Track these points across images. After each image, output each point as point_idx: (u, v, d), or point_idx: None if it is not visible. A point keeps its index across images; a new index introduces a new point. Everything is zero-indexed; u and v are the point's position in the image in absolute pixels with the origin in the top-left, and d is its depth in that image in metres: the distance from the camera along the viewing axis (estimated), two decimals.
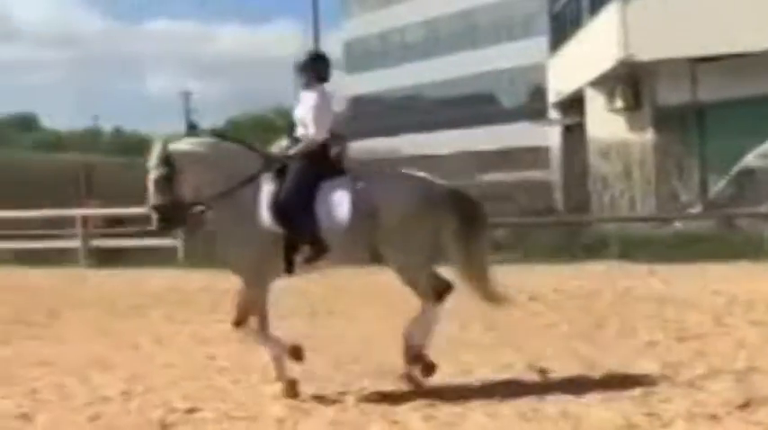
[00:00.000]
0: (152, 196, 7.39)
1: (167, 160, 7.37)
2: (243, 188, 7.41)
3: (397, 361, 7.51)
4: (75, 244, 21.80)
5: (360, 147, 45.37)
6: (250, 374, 8.13)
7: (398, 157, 34.06)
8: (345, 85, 57.76)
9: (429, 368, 7.36)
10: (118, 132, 69.48)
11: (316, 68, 7.67)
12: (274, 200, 7.31)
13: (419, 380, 7.37)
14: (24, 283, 16.92)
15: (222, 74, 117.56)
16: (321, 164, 7.49)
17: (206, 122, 62.90)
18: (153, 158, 7.41)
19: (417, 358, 7.34)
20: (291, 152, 7.52)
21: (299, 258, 7.38)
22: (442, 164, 24.99)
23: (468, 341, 9.39)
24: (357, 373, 7.95)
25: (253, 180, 7.44)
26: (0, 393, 7.83)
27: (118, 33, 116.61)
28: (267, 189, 7.40)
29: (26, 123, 67.55)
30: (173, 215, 7.42)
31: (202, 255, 19.73)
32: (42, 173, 38.77)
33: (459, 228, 7.41)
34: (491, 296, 7.62)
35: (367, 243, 7.39)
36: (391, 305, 9.98)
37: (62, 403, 7.43)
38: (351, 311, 12.15)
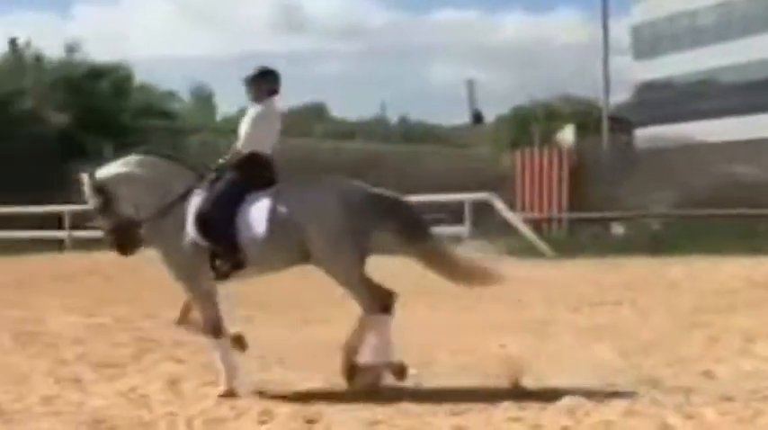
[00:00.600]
0: (101, 224, 7.65)
1: (99, 189, 7.56)
2: (179, 203, 7.48)
3: None
4: None
5: (649, 135, 44.10)
6: (541, 363, 7.99)
7: (691, 144, 32.73)
8: (633, 71, 56.26)
9: (401, 371, 7.29)
10: (403, 121, 71.00)
11: (263, 82, 7.67)
12: (197, 211, 7.36)
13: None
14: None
15: (507, 62, 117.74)
16: (249, 176, 7.47)
17: (490, 111, 63.17)
18: (87, 192, 7.60)
19: (368, 370, 7.29)
20: (219, 164, 7.59)
21: (221, 268, 7.38)
22: (737, 151, 23.77)
23: None
24: None
25: (187, 195, 7.49)
26: None
27: (403, 24, 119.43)
28: (195, 201, 7.43)
29: (316, 113, 70.24)
30: (125, 236, 7.59)
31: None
32: (332, 161, 40.25)
33: (392, 229, 7.34)
34: (467, 277, 7.50)
35: (290, 253, 7.35)
36: None
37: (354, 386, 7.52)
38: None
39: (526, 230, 20.87)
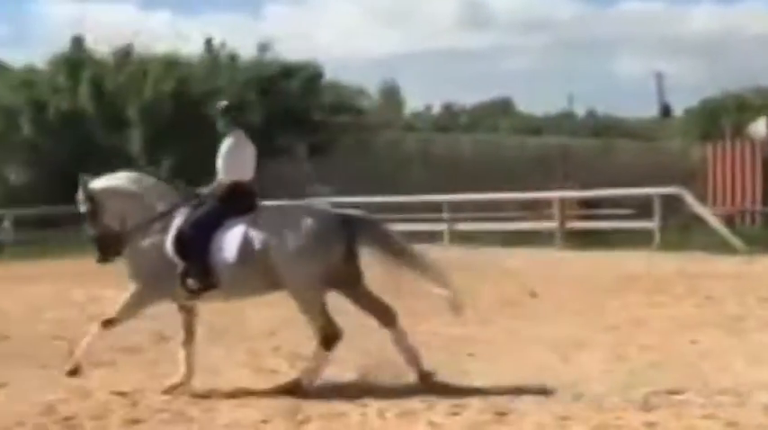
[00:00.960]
0: (87, 230, 8.09)
1: (90, 197, 8.06)
2: (159, 220, 7.90)
3: None
4: (551, 226, 22.30)
5: None
6: (735, 360, 7.81)
7: None
8: None
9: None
10: (591, 115, 69.89)
11: (231, 115, 8.19)
12: (176, 231, 7.75)
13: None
14: (505, 265, 17.52)
15: (696, 54, 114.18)
16: (230, 204, 7.88)
17: (679, 104, 61.46)
18: (80, 197, 8.12)
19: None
20: (204, 192, 8.02)
21: (193, 287, 7.68)
22: None
23: None
24: None
25: (170, 213, 7.91)
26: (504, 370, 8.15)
27: (589, 17, 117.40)
28: (177, 222, 7.83)
29: (503, 108, 69.98)
30: (106, 244, 8.02)
31: (678, 240, 19.45)
32: (519, 156, 40.10)
33: (366, 245, 7.66)
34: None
35: (259, 278, 7.65)
36: None
37: (550, 381, 7.56)
38: None
39: (718, 225, 20.31)
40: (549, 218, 22.73)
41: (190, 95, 31.64)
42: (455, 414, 6.69)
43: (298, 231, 7.60)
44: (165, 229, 7.91)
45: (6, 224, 23.70)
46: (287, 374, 8.13)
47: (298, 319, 11.35)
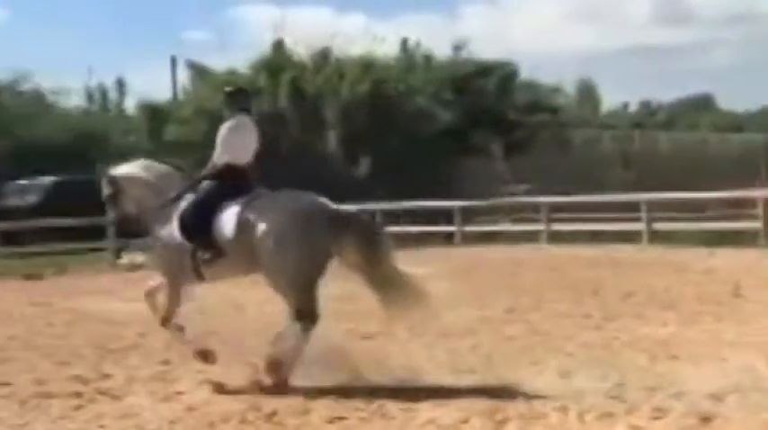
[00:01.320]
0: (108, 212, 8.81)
1: (111, 182, 8.81)
2: (169, 205, 8.44)
3: None
4: (755, 226, 21.47)
5: None
6: None
7: None
8: None
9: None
10: None
11: (235, 101, 8.63)
12: (180, 214, 8.30)
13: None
14: (707, 264, 16.99)
15: None
16: (223, 185, 8.31)
17: None
18: (102, 181, 8.85)
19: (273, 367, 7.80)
20: (202, 174, 8.54)
21: (200, 262, 8.18)
22: None
23: None
24: None
25: (178, 198, 8.44)
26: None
27: None
28: (182, 205, 8.38)
29: (704, 105, 67.91)
30: (124, 226, 8.78)
31: None
32: (721, 154, 38.83)
33: (352, 249, 7.79)
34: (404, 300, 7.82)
35: (251, 256, 7.93)
36: None
37: (755, 384, 7.29)
38: None
39: None
40: (753, 218, 21.90)
41: (386, 96, 32.08)
42: (657, 418, 6.52)
43: (280, 216, 7.87)
44: (174, 214, 8.43)
45: None
46: (483, 374, 8.13)
47: (497, 319, 11.46)
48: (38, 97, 32.60)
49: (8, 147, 29.31)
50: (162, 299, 8.58)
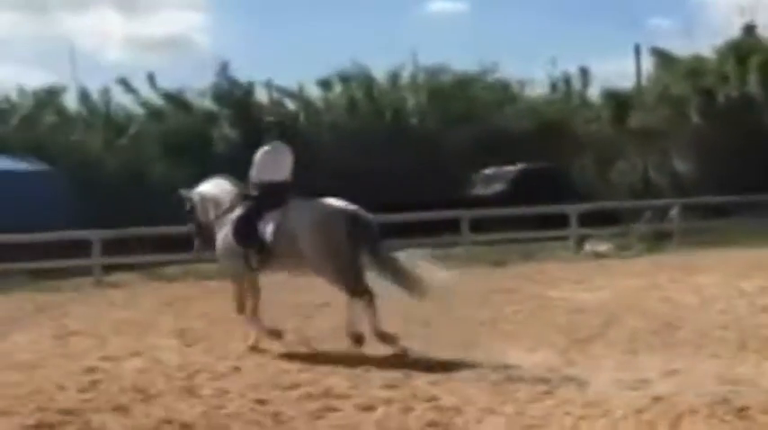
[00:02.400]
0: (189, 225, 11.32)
1: (187, 198, 11.16)
2: (224, 215, 10.62)
3: None
4: None
5: None
6: None
7: None
8: None
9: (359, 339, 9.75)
10: None
11: (273, 131, 11.11)
12: (232, 223, 10.39)
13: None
14: None
15: None
16: (261, 199, 10.29)
17: None
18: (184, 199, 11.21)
19: (382, 336, 9.67)
20: (245, 191, 10.55)
21: (254, 261, 10.24)
22: None
23: None
24: None
25: (230, 210, 10.56)
26: None
27: None
28: (233, 216, 10.46)
29: None
30: (198, 236, 11.10)
31: None
32: None
33: (359, 241, 9.72)
34: (411, 288, 9.64)
35: (291, 257, 10.01)
36: None
37: None
38: None
39: None
40: None
41: None
42: None
43: (308, 220, 9.83)
44: (229, 222, 10.48)
45: (674, 213, 24.05)
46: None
47: None
48: (504, 87, 33.64)
49: (476, 137, 30.53)
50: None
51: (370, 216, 10.05)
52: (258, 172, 10.41)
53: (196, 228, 11.15)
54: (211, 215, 10.83)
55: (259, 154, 10.48)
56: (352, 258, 9.78)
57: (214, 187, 11.01)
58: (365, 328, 9.73)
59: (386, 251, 9.89)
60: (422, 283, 9.68)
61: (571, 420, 6.86)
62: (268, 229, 10.03)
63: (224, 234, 10.52)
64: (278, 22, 55.23)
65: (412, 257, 9.84)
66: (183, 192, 11.31)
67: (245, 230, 10.21)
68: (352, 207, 10.03)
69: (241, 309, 10.58)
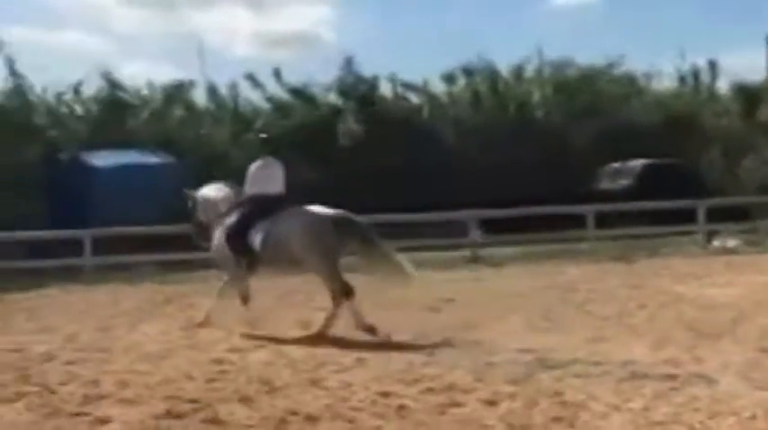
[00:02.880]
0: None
1: (190, 198, 12.56)
2: (220, 219, 11.90)
3: None
4: None
5: None
6: None
7: None
8: None
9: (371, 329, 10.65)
10: None
11: (264, 147, 12.43)
12: (225, 229, 11.69)
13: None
14: None
15: None
16: (253, 210, 11.47)
17: None
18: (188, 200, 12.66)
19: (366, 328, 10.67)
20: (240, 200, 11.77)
21: (243, 266, 11.60)
22: None
23: None
24: None
25: (226, 214, 11.81)
26: None
27: None
28: (227, 222, 11.71)
29: None
30: (197, 232, 12.51)
31: None
32: None
33: (351, 242, 11.02)
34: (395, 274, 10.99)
35: (282, 261, 11.41)
36: None
37: None
38: None
39: None
40: None
41: None
42: None
43: (299, 225, 10.98)
44: (222, 227, 11.77)
45: None
46: None
47: None
48: (630, 80, 33.06)
49: (602, 131, 30.09)
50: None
51: (355, 217, 11.19)
52: (250, 185, 11.62)
53: (195, 225, 12.58)
54: (210, 216, 12.20)
55: (252, 168, 11.68)
56: (337, 259, 11.07)
57: (215, 191, 12.34)
58: (354, 321, 10.79)
59: (376, 241, 11.03)
60: (403, 270, 11.00)
61: (699, 418, 6.71)
62: (257, 239, 11.24)
63: (218, 236, 11.84)
64: (402, 15, 55.46)
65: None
66: (188, 191, 12.72)
67: (236, 239, 11.47)
68: (337, 211, 11.12)
69: (244, 301, 11.85)
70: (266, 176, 11.61)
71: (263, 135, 13.74)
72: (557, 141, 29.84)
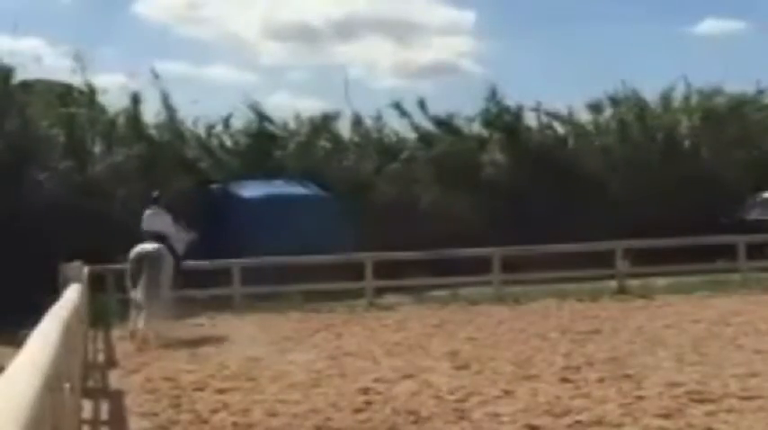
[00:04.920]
0: None
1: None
2: None
3: None
4: None
5: None
6: None
7: None
8: None
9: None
10: None
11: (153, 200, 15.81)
12: None
13: None
14: None
15: None
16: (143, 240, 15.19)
17: None
18: None
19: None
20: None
21: None
22: None
23: None
24: None
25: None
26: None
27: None
28: None
29: None
30: None
31: None
32: None
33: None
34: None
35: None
36: None
37: None
38: None
39: None
40: None
41: None
42: None
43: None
44: None
45: None
46: None
47: None
48: None
49: (751, 160, 29.28)
50: None
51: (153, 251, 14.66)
52: (143, 224, 15.31)
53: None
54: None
55: (145, 213, 15.39)
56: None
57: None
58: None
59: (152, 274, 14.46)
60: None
61: None
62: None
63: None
64: (546, 45, 55.07)
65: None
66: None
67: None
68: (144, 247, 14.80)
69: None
70: (151, 219, 15.30)
71: (155, 193, 16.02)
72: (705, 170, 29.16)
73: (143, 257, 14.55)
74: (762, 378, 9.37)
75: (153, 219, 15.23)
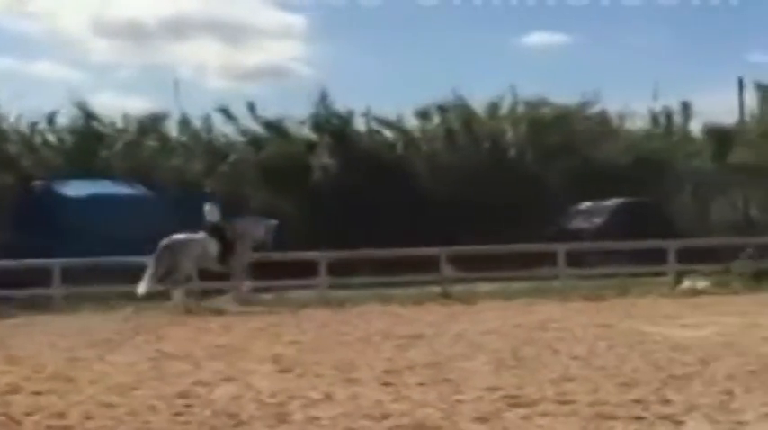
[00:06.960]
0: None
1: None
2: None
3: None
4: None
5: None
6: None
7: None
8: None
9: None
10: None
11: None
12: None
13: None
14: None
15: None
16: None
17: None
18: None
19: None
20: None
21: None
22: None
23: None
24: None
25: None
26: None
27: None
28: None
29: None
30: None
31: None
32: None
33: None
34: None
35: None
36: None
37: None
38: None
39: None
40: None
41: None
42: None
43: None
44: None
45: None
46: None
47: None
48: (604, 120, 33.34)
49: (575, 170, 30.35)
50: None
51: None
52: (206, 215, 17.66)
53: None
54: None
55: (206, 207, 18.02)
56: None
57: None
58: None
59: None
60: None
61: None
62: None
63: None
64: (377, 51, 55.67)
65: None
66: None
67: None
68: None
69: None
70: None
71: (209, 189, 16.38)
72: (529, 179, 30.03)
73: None
74: (576, 382, 9.65)
75: None
